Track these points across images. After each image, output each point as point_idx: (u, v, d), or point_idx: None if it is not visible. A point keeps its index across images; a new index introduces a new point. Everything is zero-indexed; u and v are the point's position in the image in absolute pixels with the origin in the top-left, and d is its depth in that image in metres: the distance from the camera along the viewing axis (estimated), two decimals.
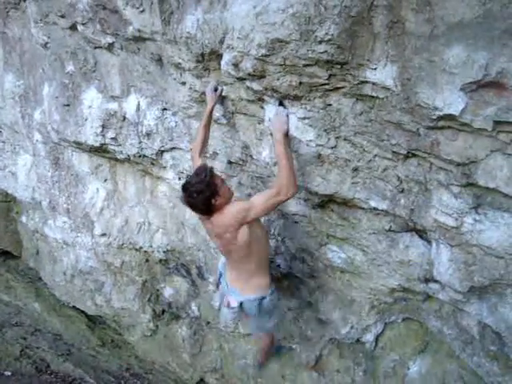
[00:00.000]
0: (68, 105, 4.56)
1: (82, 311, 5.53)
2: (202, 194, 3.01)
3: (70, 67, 4.45)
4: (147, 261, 5.00)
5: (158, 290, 5.14)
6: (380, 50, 2.56)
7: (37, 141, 5.24)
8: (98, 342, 5.30)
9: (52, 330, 5.15)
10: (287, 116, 3.03)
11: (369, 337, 4.12)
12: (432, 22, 2.34)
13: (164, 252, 4.75)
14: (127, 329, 5.41)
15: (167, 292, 5.07)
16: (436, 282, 3.20)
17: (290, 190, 2.91)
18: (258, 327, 3.94)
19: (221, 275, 3.68)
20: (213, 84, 3.34)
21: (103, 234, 5.03)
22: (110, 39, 3.93)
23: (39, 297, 5.69)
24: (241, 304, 3.48)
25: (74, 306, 5.55)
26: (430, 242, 3.12)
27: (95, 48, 4.15)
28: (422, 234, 3.17)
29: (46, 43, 4.55)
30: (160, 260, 4.88)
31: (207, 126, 3.41)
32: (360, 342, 4.15)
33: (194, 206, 3.14)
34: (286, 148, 2.94)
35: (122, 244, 4.97)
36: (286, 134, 3.01)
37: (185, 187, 3.09)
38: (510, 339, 3.04)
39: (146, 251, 4.90)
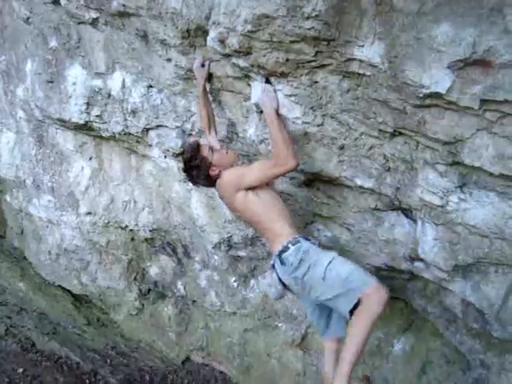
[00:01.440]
0: (52, 81, 4.48)
1: (68, 290, 5.52)
2: (198, 170, 3.11)
3: (53, 43, 4.37)
4: (133, 239, 4.97)
5: (143, 269, 5.13)
6: (367, 27, 2.52)
7: (20, 118, 5.16)
8: (84, 321, 5.29)
9: (37, 309, 5.12)
10: (275, 92, 3.01)
11: None
12: None
13: (150, 231, 4.73)
14: (113, 308, 5.41)
15: (153, 271, 5.06)
16: (421, 260, 3.21)
17: (288, 163, 2.83)
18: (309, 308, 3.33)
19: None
20: (199, 61, 3.30)
21: (88, 213, 5.00)
22: (93, 14, 3.85)
23: (24, 276, 5.65)
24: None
25: (59, 285, 5.53)
26: (415, 221, 3.13)
27: (79, 23, 4.07)
28: (407, 212, 3.18)
29: (28, 18, 4.46)
30: (146, 239, 4.86)
31: (206, 104, 3.38)
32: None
33: (199, 184, 3.27)
34: (279, 121, 2.94)
35: (108, 223, 4.94)
36: (277, 111, 2.99)
37: (183, 170, 3.23)
38: (492, 317, 3.08)
39: (131, 230, 4.87)
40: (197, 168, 3.10)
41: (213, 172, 3.10)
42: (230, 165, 3.15)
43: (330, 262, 2.77)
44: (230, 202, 3.13)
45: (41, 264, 5.64)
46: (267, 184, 3.08)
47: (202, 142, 3.28)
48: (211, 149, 3.16)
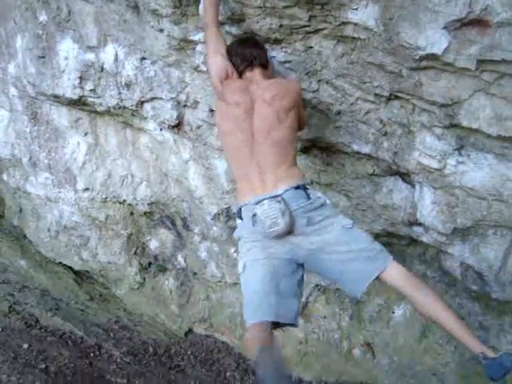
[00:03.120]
0: (43, 57, 4.42)
1: (69, 267, 5.52)
2: (262, 43, 2.88)
3: (42, 17, 4.29)
4: (132, 214, 4.97)
5: (143, 243, 5.14)
6: None
7: (13, 95, 5.10)
8: (86, 297, 5.31)
9: (39, 286, 5.13)
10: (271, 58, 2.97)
11: None
12: None
13: (148, 204, 4.72)
14: (114, 282, 5.43)
15: (153, 244, 5.07)
16: (420, 225, 3.23)
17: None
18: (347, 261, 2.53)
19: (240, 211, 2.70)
20: None
21: (86, 189, 4.98)
22: None
23: (25, 254, 5.65)
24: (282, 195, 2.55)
25: (60, 262, 5.54)
26: (413, 186, 3.14)
27: None
28: (405, 177, 3.18)
29: None
30: (144, 213, 4.86)
31: None
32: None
33: (253, 46, 2.84)
34: None
35: (106, 198, 4.94)
36: None
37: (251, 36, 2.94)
38: (491, 278, 3.11)
39: (130, 204, 4.87)
40: (260, 44, 2.86)
41: (270, 60, 2.89)
42: None
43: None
44: (284, 102, 2.66)
45: (41, 241, 5.65)
46: None
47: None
48: None
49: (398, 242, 3.65)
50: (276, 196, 2.50)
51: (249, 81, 2.76)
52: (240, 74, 2.80)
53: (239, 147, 2.69)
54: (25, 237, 5.89)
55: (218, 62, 2.77)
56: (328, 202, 2.59)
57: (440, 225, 3.05)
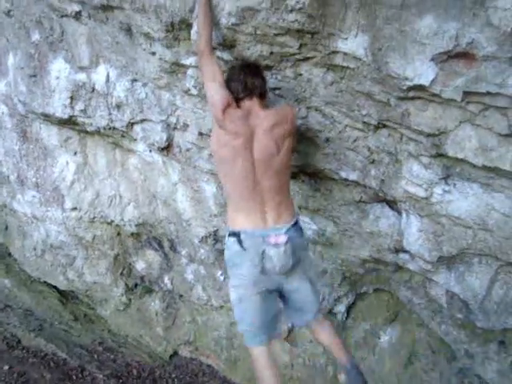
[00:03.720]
0: (34, 75, 4.43)
1: (54, 286, 5.48)
2: (261, 70, 2.88)
3: (35, 36, 4.31)
4: (119, 234, 4.95)
5: (130, 264, 5.11)
6: (351, 19, 2.54)
7: (3, 113, 5.10)
8: (71, 317, 5.27)
9: (23, 305, 5.10)
10: None
11: (340, 308, 4.18)
12: None
13: (136, 225, 4.71)
14: (100, 303, 5.39)
15: (140, 265, 5.04)
16: (406, 252, 3.24)
17: None
18: (297, 300, 2.99)
19: (239, 235, 2.78)
20: None
21: (74, 208, 4.96)
22: (76, 7, 3.81)
23: (9, 273, 5.61)
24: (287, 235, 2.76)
25: (45, 282, 5.49)
26: (400, 213, 3.16)
27: (61, 16, 4.02)
28: (392, 204, 3.20)
29: (10, 11, 4.39)
30: (132, 233, 4.84)
31: (209, 15, 2.83)
32: (332, 312, 4.21)
33: (254, 75, 2.83)
34: None
35: (94, 218, 4.91)
36: None
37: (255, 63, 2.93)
38: (476, 307, 3.12)
39: (117, 225, 4.85)
40: (261, 73, 2.87)
41: (268, 90, 2.92)
42: None
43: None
44: (283, 130, 2.76)
45: (26, 260, 5.60)
46: None
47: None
48: None
49: (384, 268, 3.66)
50: (283, 234, 2.73)
51: (247, 110, 2.80)
52: (238, 101, 2.83)
53: (239, 175, 2.76)
54: (10, 255, 5.84)
55: (218, 91, 2.79)
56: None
57: (426, 253, 3.06)
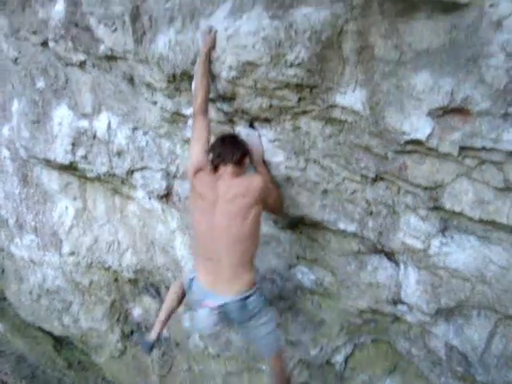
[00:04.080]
0: (38, 121, 4.50)
1: (48, 332, 5.41)
2: (241, 143, 3.04)
3: (40, 83, 4.40)
4: (116, 280, 4.92)
5: (126, 310, 5.06)
6: (349, 74, 2.60)
7: (5, 157, 5.15)
8: (65, 364, 5.18)
9: (16, 351, 5.02)
10: (259, 137, 3.06)
11: (338, 358, 4.11)
12: (400, 48, 2.40)
13: (133, 271, 4.69)
14: (95, 350, 5.31)
15: (136, 312, 5.00)
16: (404, 303, 3.22)
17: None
18: (254, 340, 3.44)
19: (191, 280, 3.18)
20: (207, 25, 2.95)
21: (72, 253, 4.95)
22: (81, 57, 3.91)
23: (3, 317, 5.55)
24: (221, 307, 3.00)
25: (39, 327, 5.43)
26: (398, 265, 3.15)
27: (66, 65, 4.12)
28: (390, 256, 3.19)
29: (17, 58, 4.50)
30: (129, 280, 4.81)
31: (206, 74, 2.95)
32: (330, 363, 4.13)
33: (232, 145, 3.01)
34: (266, 167, 3.12)
35: (91, 263, 4.90)
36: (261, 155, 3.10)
37: (231, 135, 3.15)
38: (476, 360, 3.07)
39: (115, 270, 4.83)
40: (244, 144, 3.05)
41: (244, 158, 3.03)
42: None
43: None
44: (247, 200, 2.90)
45: (21, 304, 5.55)
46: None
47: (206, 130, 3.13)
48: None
49: (382, 318, 3.62)
50: (218, 305, 2.95)
51: (219, 176, 2.98)
52: (215, 167, 3.00)
53: (202, 235, 3.04)
54: (5, 299, 5.78)
55: (197, 153, 3.01)
56: (265, 307, 3.12)
57: (424, 305, 3.04)
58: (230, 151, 2.97)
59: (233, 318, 3.10)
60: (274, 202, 3.09)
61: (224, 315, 3.02)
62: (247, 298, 2.97)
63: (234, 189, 2.91)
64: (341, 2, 2.44)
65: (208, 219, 2.94)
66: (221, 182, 2.95)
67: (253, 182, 2.93)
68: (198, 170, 2.99)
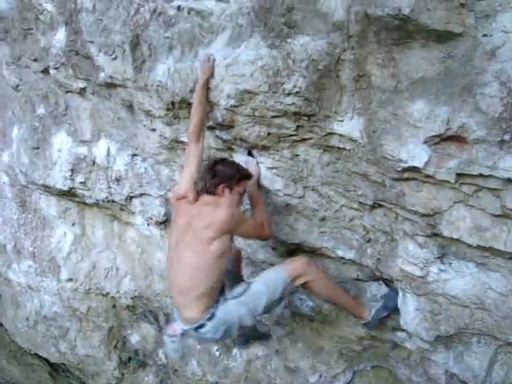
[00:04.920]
0: (37, 148, 4.52)
1: (45, 359, 5.36)
2: (226, 169, 2.92)
3: (40, 110, 4.44)
4: (114, 307, 4.90)
5: (124, 337, 5.02)
6: (347, 102, 2.63)
7: (4, 183, 5.16)
8: None
9: (11, 379, 4.97)
10: (257, 164, 3.08)
11: None
12: (396, 76, 2.42)
13: (132, 298, 4.67)
14: (92, 377, 5.26)
15: (134, 339, 4.96)
16: (403, 330, 3.20)
17: (266, 231, 2.97)
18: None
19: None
20: (205, 54, 2.97)
21: (69, 279, 4.93)
22: (81, 84, 3.94)
23: None
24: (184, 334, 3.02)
25: (36, 354, 5.38)
26: (396, 292, 3.14)
27: (67, 92, 4.15)
28: (388, 282, 3.19)
29: (18, 85, 4.54)
30: (127, 306, 4.79)
31: (202, 103, 2.98)
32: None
33: (208, 173, 2.94)
34: (261, 194, 3.08)
35: (89, 289, 4.88)
36: (259, 182, 3.08)
37: (214, 159, 3.06)
38: None
39: (113, 297, 4.81)
40: (223, 172, 2.92)
41: (223, 187, 2.90)
42: (231, 204, 2.94)
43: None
44: (209, 232, 2.80)
45: (17, 331, 5.50)
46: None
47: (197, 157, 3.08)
48: (242, 193, 3.02)
49: (382, 345, 3.61)
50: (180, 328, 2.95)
51: (196, 205, 2.95)
52: (198, 195, 2.98)
53: (170, 261, 3.02)
54: (1, 325, 5.74)
55: (184, 180, 3.02)
56: (220, 319, 2.90)
57: (423, 332, 3.02)
58: (204, 180, 2.95)
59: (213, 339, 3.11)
60: (246, 232, 2.98)
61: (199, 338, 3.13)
62: (200, 327, 2.90)
63: (201, 219, 2.84)
64: (338, 32, 2.48)
65: (178, 245, 2.91)
66: (195, 210, 2.90)
67: (216, 214, 2.81)
68: (180, 197, 2.99)
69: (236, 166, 3.00)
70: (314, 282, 3.01)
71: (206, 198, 2.94)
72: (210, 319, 2.87)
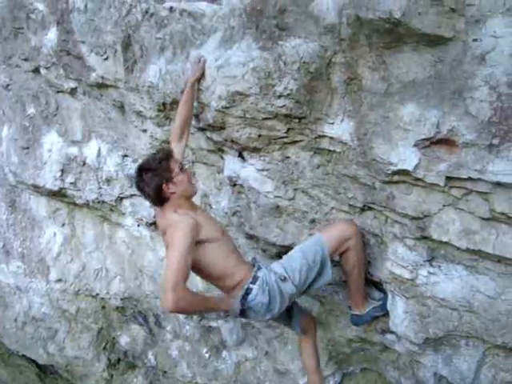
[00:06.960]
0: (27, 147, 4.51)
1: (33, 360, 5.33)
2: (154, 176, 2.62)
3: (31, 110, 4.42)
4: (103, 308, 4.88)
5: (113, 338, 5.00)
6: (337, 105, 2.63)
7: None
8: None
9: None
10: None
11: None
12: (387, 80, 2.43)
13: (121, 299, 4.65)
14: (80, 378, 5.23)
15: (123, 340, 4.94)
16: (392, 333, 3.21)
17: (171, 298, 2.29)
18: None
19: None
20: (196, 56, 2.95)
21: (59, 280, 4.91)
22: (72, 84, 3.94)
23: None
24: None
25: (23, 355, 5.34)
26: (386, 294, 3.15)
27: (57, 92, 4.14)
28: (378, 285, 3.20)
29: (8, 85, 4.53)
30: (117, 307, 4.77)
31: (188, 103, 2.93)
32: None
33: (142, 190, 2.70)
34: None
35: (78, 290, 4.85)
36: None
37: (137, 167, 2.76)
38: None
39: (102, 298, 4.79)
40: (154, 173, 2.63)
41: (167, 189, 2.64)
42: (186, 197, 2.76)
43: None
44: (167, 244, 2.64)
45: (5, 332, 5.46)
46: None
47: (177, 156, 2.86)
48: (181, 167, 2.76)
49: (371, 347, 3.61)
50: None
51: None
52: None
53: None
54: None
55: None
56: None
57: (412, 334, 3.03)
58: (144, 193, 2.74)
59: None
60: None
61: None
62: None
63: (164, 225, 2.73)
64: (329, 34, 2.48)
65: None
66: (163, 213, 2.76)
67: (173, 217, 2.64)
68: None
69: (160, 152, 2.83)
70: (356, 246, 2.83)
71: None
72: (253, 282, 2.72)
